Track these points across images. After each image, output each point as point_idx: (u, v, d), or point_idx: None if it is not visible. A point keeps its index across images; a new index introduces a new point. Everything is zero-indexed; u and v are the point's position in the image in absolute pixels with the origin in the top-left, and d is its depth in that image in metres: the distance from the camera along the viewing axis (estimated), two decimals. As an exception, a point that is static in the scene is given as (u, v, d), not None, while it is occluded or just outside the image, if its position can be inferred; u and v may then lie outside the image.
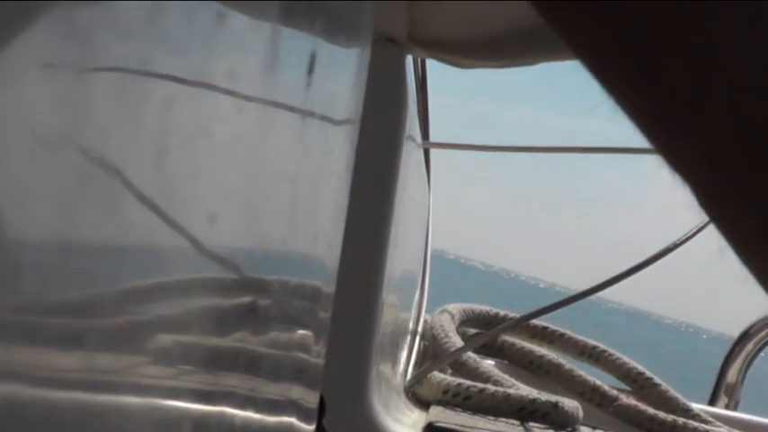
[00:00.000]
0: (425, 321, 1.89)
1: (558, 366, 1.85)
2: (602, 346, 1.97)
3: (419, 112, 1.54)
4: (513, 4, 1.11)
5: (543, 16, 0.38)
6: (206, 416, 0.44)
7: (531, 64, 1.30)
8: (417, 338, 1.85)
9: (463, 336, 1.83)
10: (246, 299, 0.47)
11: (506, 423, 1.52)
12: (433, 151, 1.82)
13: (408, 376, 1.67)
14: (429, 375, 1.61)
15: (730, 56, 0.35)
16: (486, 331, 1.90)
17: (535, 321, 1.93)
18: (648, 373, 1.92)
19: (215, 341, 0.44)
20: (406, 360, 1.72)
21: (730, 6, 0.35)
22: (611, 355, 1.95)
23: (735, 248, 0.38)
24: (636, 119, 0.38)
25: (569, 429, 1.56)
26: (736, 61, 0.35)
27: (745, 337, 2.23)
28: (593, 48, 0.37)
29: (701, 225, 1.55)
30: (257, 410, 0.53)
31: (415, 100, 1.46)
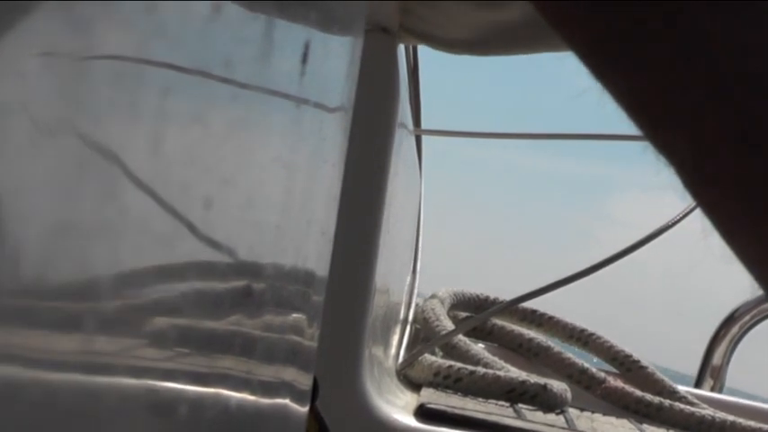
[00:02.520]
0: (417, 305, 1.90)
1: (547, 349, 1.86)
2: (590, 329, 1.98)
3: (411, 99, 1.54)
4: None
5: (532, 2, 0.38)
6: (201, 397, 0.44)
7: (520, 53, 1.31)
8: (409, 322, 1.85)
9: (454, 319, 1.84)
10: (241, 283, 0.48)
11: (496, 404, 1.53)
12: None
13: (400, 359, 1.67)
14: (420, 358, 1.61)
15: (716, 40, 0.36)
16: (476, 315, 1.91)
17: (524, 305, 1.93)
18: (635, 356, 1.93)
19: (210, 324, 0.45)
20: (398, 343, 1.72)
21: None
22: (598, 338, 1.96)
23: (719, 231, 0.38)
24: (622, 103, 0.38)
25: (558, 411, 1.57)
26: (722, 46, 0.36)
27: (730, 320, 2.24)
28: (580, 32, 0.38)
29: (685, 211, 1.55)
30: (252, 392, 0.53)
31: (407, 88, 1.46)
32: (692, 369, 2.25)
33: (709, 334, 2.25)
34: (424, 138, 1.81)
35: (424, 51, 1.49)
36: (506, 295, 1.95)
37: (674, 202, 1.56)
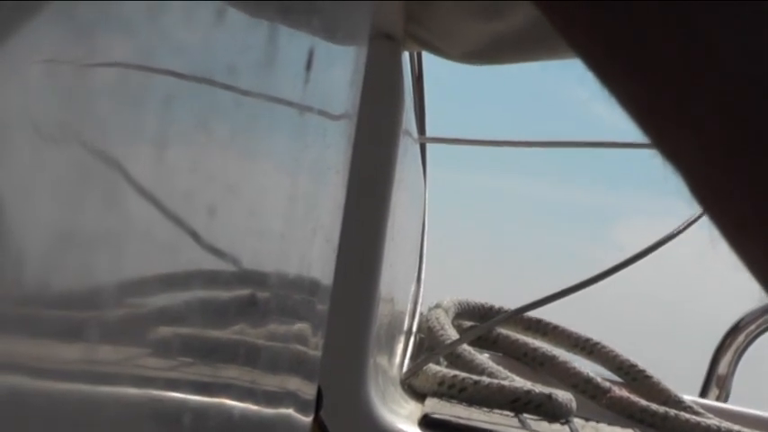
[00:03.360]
0: (421, 314, 1.90)
1: (552, 358, 1.86)
2: (594, 338, 1.97)
3: (415, 107, 1.54)
4: (506, 2, 1.12)
5: (537, 6, 0.38)
6: (205, 407, 0.44)
7: (526, 61, 1.31)
8: (413, 331, 1.85)
9: (458, 328, 1.84)
10: (245, 291, 0.48)
11: (501, 414, 1.52)
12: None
13: (404, 368, 1.67)
14: (425, 367, 1.61)
15: (721, 44, 0.35)
16: (481, 324, 1.91)
17: (529, 314, 1.93)
18: (640, 366, 1.92)
19: (214, 333, 0.45)
20: (403, 352, 1.72)
21: None
22: (603, 347, 1.96)
23: (727, 238, 0.38)
24: (629, 109, 0.38)
25: (563, 421, 1.57)
26: (728, 49, 0.35)
27: (735, 329, 2.24)
28: (586, 38, 0.38)
29: (691, 220, 1.55)
30: (256, 402, 0.53)
31: (412, 95, 1.46)
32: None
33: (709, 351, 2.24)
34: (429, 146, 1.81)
35: (428, 59, 1.49)
36: (511, 304, 1.95)
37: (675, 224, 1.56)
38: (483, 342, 1.89)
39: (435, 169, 1.79)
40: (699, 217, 0.45)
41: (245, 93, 0.42)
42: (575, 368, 1.83)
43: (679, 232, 1.58)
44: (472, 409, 1.53)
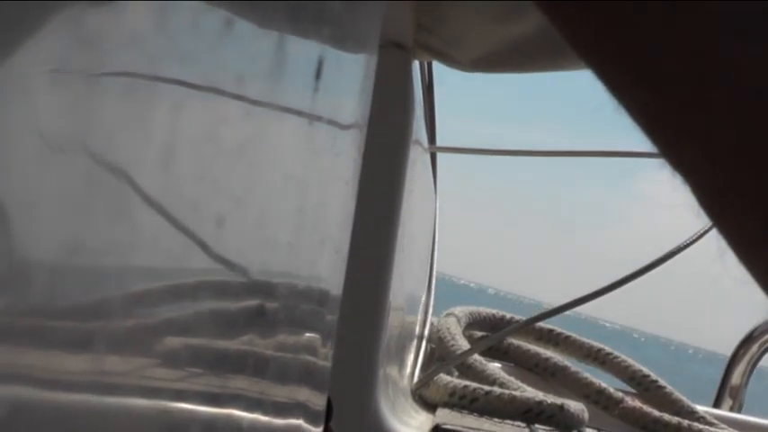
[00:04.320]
0: (432, 324, 1.89)
1: (564, 369, 1.85)
2: (607, 348, 1.97)
3: (426, 116, 1.54)
4: (515, 10, 1.12)
5: (547, 16, 0.38)
6: (214, 418, 0.44)
7: (535, 71, 1.31)
8: (424, 341, 1.85)
9: (470, 339, 1.83)
10: (254, 302, 0.48)
11: (512, 425, 1.52)
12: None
13: (415, 379, 1.67)
14: (436, 378, 1.61)
15: (731, 55, 0.35)
16: (492, 334, 1.90)
17: (541, 324, 1.93)
18: (653, 376, 1.92)
19: (223, 344, 0.45)
20: (413, 363, 1.72)
21: (731, 6, 0.35)
22: (616, 357, 1.95)
23: (735, 249, 0.38)
24: (638, 119, 0.38)
25: (575, 431, 1.56)
26: (737, 61, 0.35)
27: (749, 339, 2.23)
28: (596, 48, 0.37)
29: (702, 231, 1.54)
30: (265, 413, 0.53)
31: (422, 104, 1.46)
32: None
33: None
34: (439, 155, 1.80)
35: (439, 69, 1.49)
36: (525, 313, 1.95)
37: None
38: (494, 352, 1.89)
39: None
40: (712, 227, 0.44)
41: (254, 102, 0.42)
42: (587, 378, 1.83)
43: (692, 242, 1.58)
44: (483, 420, 1.52)
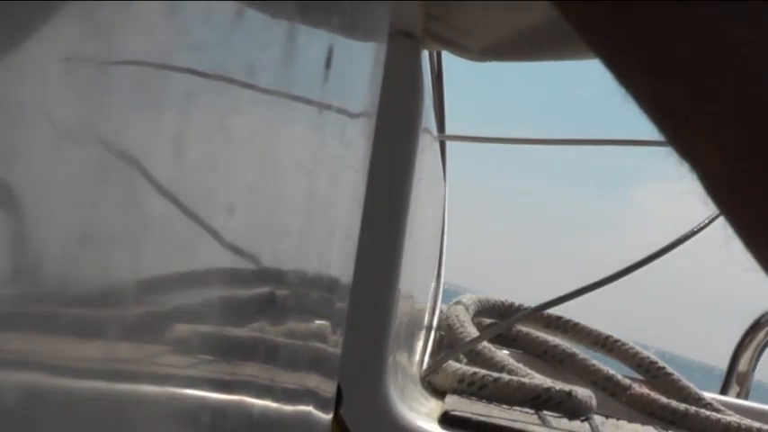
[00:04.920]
0: (441, 311, 1.89)
1: (572, 356, 1.86)
2: (615, 335, 1.97)
3: (435, 105, 1.54)
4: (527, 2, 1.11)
5: (556, 6, 0.38)
6: (224, 405, 0.44)
7: (544, 60, 1.30)
8: (433, 328, 1.85)
9: (478, 326, 1.84)
10: (264, 289, 0.48)
11: (521, 412, 1.52)
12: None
13: (424, 366, 1.67)
14: (445, 365, 1.61)
15: (743, 45, 0.35)
16: (501, 321, 1.91)
17: (549, 311, 1.93)
18: (661, 363, 1.92)
19: (233, 331, 0.45)
20: (422, 350, 1.72)
21: None
22: (623, 344, 1.95)
23: (742, 237, 0.38)
24: (647, 108, 0.38)
25: (583, 418, 1.56)
26: (749, 50, 0.35)
27: (756, 326, 2.23)
28: (605, 37, 0.37)
29: (707, 220, 1.54)
30: (275, 399, 0.53)
31: (431, 93, 1.46)
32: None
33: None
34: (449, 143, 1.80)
35: (448, 56, 1.48)
36: (531, 301, 1.95)
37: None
38: (503, 339, 1.89)
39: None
40: (719, 215, 0.44)
41: (265, 91, 0.42)
42: (595, 365, 1.83)
43: (701, 229, 1.58)
44: (492, 407, 1.53)
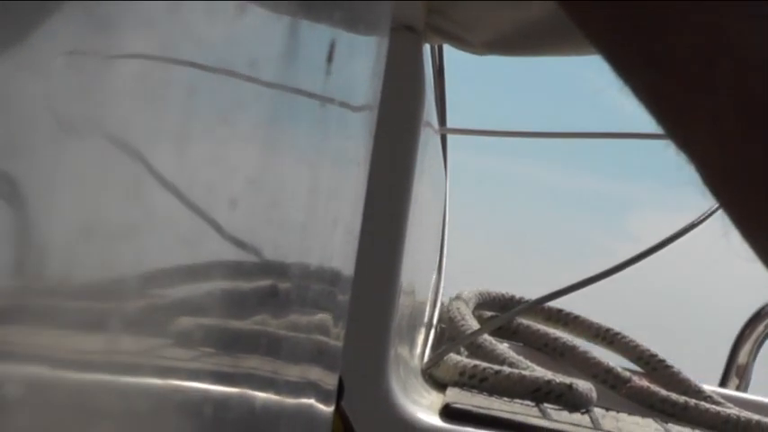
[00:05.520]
0: (442, 304, 1.90)
1: (573, 348, 1.86)
2: (615, 328, 1.97)
3: (436, 98, 1.54)
4: None
5: (558, 2, 0.38)
6: (227, 397, 0.44)
7: (545, 55, 1.30)
8: (434, 321, 1.85)
9: (479, 318, 1.84)
10: (267, 282, 0.48)
11: (522, 404, 1.52)
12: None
13: (425, 358, 1.67)
14: (446, 357, 1.61)
15: (739, 37, 0.35)
16: (501, 314, 1.91)
17: (550, 304, 1.93)
18: (661, 356, 1.92)
19: (235, 324, 0.45)
20: (424, 342, 1.72)
21: None
22: (624, 337, 1.95)
23: (740, 227, 0.38)
24: (645, 100, 0.38)
25: (583, 411, 1.57)
26: (746, 42, 0.35)
27: (756, 318, 2.23)
28: (604, 30, 0.37)
29: (711, 210, 1.54)
30: (277, 392, 0.53)
31: (433, 87, 1.46)
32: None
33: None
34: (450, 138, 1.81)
35: (450, 51, 1.48)
36: (527, 294, 1.95)
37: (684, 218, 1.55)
38: (503, 332, 1.89)
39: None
40: (718, 208, 0.44)
41: (267, 85, 0.42)
42: (595, 358, 1.83)
43: (700, 222, 1.58)
44: (493, 399, 1.53)
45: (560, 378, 1.60)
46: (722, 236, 0.39)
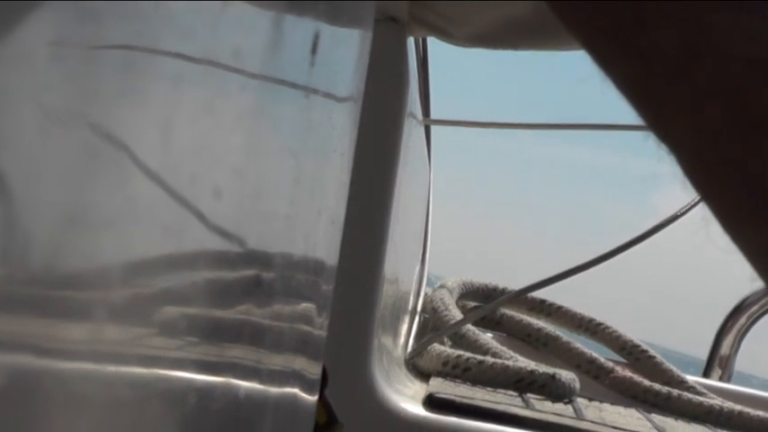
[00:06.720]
0: (425, 295, 1.90)
1: (556, 339, 1.86)
2: (598, 319, 1.98)
3: (420, 89, 1.54)
4: None
5: None
6: (210, 386, 0.44)
7: (529, 49, 1.31)
8: (418, 311, 1.85)
9: (463, 309, 1.84)
10: (251, 272, 0.48)
11: (505, 394, 1.53)
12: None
13: (409, 348, 1.68)
14: (429, 347, 1.61)
15: (718, 25, 0.35)
16: (485, 304, 1.91)
17: (533, 295, 1.93)
18: (644, 346, 1.93)
19: (220, 313, 0.45)
20: (407, 333, 1.73)
21: None
22: (607, 328, 1.96)
23: (720, 219, 0.38)
24: (624, 90, 0.38)
25: (566, 401, 1.57)
26: (724, 31, 0.35)
27: (738, 310, 2.24)
28: (583, 19, 0.38)
29: (693, 203, 1.55)
30: (261, 381, 0.53)
31: (417, 78, 1.46)
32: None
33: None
34: (434, 128, 1.81)
35: (433, 42, 1.48)
36: (515, 285, 1.96)
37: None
38: (487, 322, 1.90)
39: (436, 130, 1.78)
40: (700, 200, 0.44)
41: (251, 76, 0.43)
42: (578, 348, 1.84)
43: (682, 213, 1.58)
44: (476, 389, 1.53)
45: (543, 368, 1.61)
46: (702, 227, 0.39)
